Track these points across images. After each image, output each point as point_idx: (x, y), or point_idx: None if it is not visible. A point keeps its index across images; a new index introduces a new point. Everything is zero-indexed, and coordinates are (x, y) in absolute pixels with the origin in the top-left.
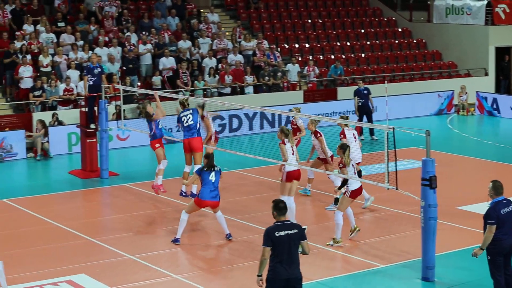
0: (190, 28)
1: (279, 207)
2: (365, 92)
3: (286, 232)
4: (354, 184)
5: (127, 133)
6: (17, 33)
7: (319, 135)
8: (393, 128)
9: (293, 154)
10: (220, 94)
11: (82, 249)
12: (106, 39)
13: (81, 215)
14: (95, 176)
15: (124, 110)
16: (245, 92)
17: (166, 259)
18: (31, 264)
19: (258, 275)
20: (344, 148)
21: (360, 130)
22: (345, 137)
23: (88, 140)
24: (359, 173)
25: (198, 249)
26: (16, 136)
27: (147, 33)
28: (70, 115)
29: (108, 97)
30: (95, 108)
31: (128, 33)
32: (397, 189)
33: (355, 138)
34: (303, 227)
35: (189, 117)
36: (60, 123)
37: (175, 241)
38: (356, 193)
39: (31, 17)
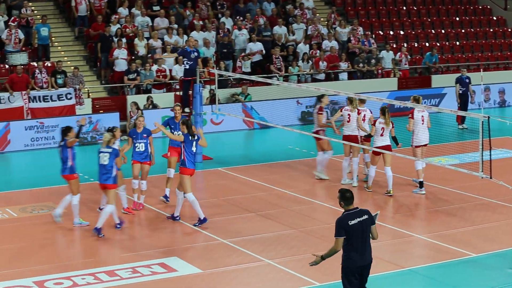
0: (285, 13)
1: (346, 197)
2: (467, 80)
3: (358, 219)
4: (377, 142)
5: (221, 117)
6: (113, 16)
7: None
8: (488, 117)
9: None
10: (314, 80)
11: (175, 233)
12: (201, 23)
13: (174, 199)
14: None
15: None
16: (339, 78)
17: (259, 243)
18: (125, 247)
19: (323, 258)
20: (383, 110)
21: (461, 119)
22: (412, 117)
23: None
24: (395, 138)
25: (292, 235)
26: (110, 119)
27: (242, 18)
28: (165, 99)
29: (203, 81)
30: (190, 92)
31: (223, 18)
32: (491, 178)
33: (422, 120)
34: (376, 213)
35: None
36: (155, 106)
37: (203, 221)
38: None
39: (126, 1)
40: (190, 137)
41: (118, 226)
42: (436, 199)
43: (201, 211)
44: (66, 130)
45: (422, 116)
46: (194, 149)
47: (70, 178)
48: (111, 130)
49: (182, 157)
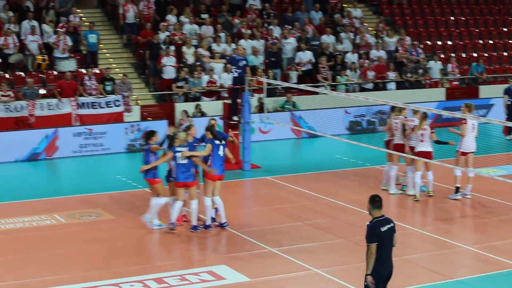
0: (333, 22)
1: (376, 203)
2: None
3: (388, 226)
4: (420, 147)
5: (269, 126)
6: (161, 24)
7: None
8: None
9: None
10: (362, 90)
11: (223, 241)
12: (249, 32)
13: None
14: (237, 168)
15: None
16: (387, 88)
17: (307, 252)
18: (173, 254)
19: (369, 274)
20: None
21: (507, 130)
22: (466, 122)
23: (230, 132)
24: (439, 142)
25: (340, 244)
26: (158, 126)
27: (290, 27)
28: (213, 107)
29: (252, 89)
30: (239, 100)
31: (271, 27)
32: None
33: (473, 128)
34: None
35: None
36: (203, 114)
37: (222, 225)
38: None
39: (175, 8)
40: (216, 141)
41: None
42: (484, 209)
43: (209, 218)
44: (150, 134)
45: (473, 124)
46: (221, 153)
47: (153, 183)
48: (187, 129)
49: (209, 163)
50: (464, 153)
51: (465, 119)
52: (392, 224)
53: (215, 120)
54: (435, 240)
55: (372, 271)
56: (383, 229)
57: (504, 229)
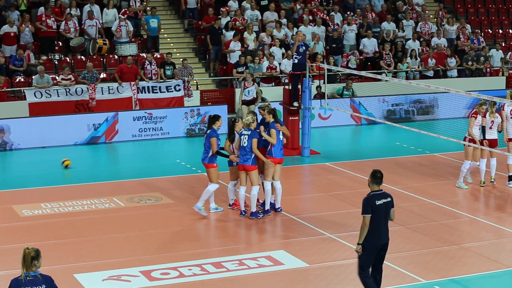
0: (395, 9)
1: (376, 177)
2: None
3: (384, 200)
4: (488, 135)
5: (329, 112)
6: (222, 9)
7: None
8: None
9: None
10: (423, 77)
11: (282, 226)
12: (311, 18)
13: (282, 193)
14: (296, 154)
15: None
16: (447, 76)
17: None
18: (231, 239)
19: (359, 244)
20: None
21: None
22: (503, 109)
23: (290, 118)
24: (483, 129)
25: (399, 231)
26: (218, 111)
27: (351, 13)
28: (273, 93)
29: (312, 75)
30: (299, 86)
31: (333, 13)
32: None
33: (511, 114)
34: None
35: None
36: (263, 100)
37: (276, 210)
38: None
39: None
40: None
41: (256, 215)
42: None
43: (268, 203)
44: (214, 119)
45: (511, 110)
46: (280, 137)
47: (209, 167)
48: (252, 112)
49: (269, 147)
50: (510, 140)
51: (502, 107)
52: (389, 199)
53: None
54: (492, 228)
55: (364, 241)
56: (378, 202)
57: None
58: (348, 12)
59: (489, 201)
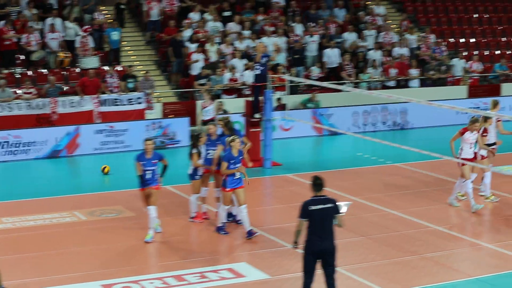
0: (357, 20)
1: (316, 183)
2: None
3: (321, 206)
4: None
5: (290, 123)
6: (184, 21)
7: None
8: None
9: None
10: (384, 87)
11: (244, 238)
12: (272, 29)
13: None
14: (257, 166)
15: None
16: (409, 86)
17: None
18: (192, 252)
19: (295, 242)
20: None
21: None
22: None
23: (252, 130)
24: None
25: (360, 242)
26: (180, 123)
27: (313, 24)
28: (235, 104)
29: (274, 87)
30: (261, 98)
31: (295, 24)
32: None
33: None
34: (346, 202)
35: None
36: (225, 112)
37: (238, 222)
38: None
39: (198, 6)
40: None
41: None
42: (506, 208)
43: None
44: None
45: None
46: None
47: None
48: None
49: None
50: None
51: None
52: (329, 205)
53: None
54: (455, 238)
55: (304, 245)
56: (314, 207)
57: None
58: (310, 23)
59: (450, 211)
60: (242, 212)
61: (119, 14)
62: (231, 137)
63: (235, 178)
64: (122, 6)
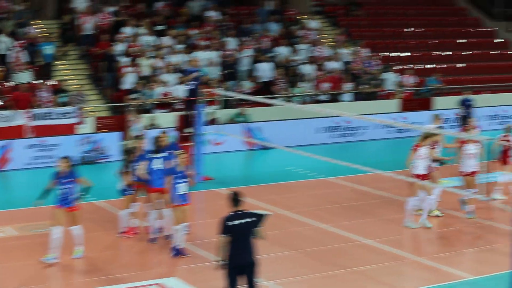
0: (290, 34)
1: (234, 199)
2: (469, 102)
3: (241, 221)
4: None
5: (222, 138)
6: (117, 35)
7: None
8: (492, 139)
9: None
10: (317, 101)
11: (164, 251)
12: (206, 43)
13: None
14: None
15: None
16: (342, 100)
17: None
18: (121, 267)
19: (216, 260)
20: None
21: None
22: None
23: (183, 144)
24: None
25: (291, 256)
26: (111, 138)
27: (247, 38)
28: (167, 119)
29: (206, 101)
30: (192, 112)
31: (228, 38)
32: (488, 199)
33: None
34: (267, 213)
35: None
36: (156, 127)
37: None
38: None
39: (132, 20)
40: (152, 155)
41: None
42: (439, 222)
43: (156, 230)
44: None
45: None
46: (157, 166)
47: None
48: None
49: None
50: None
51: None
52: (249, 219)
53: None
54: (384, 252)
55: (225, 261)
56: (234, 223)
57: (453, 241)
58: (243, 37)
59: (382, 225)
60: (182, 230)
61: (61, 29)
62: (178, 152)
63: (181, 194)
64: (62, 21)
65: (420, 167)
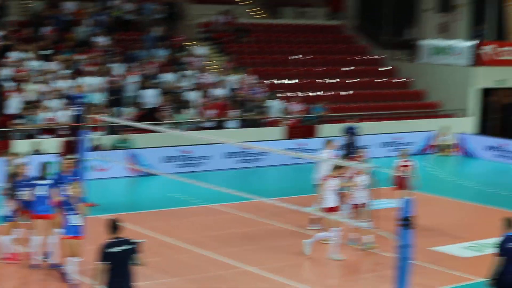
0: (176, 60)
1: (112, 226)
2: (354, 130)
3: (119, 248)
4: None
5: (107, 164)
6: (4, 59)
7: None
8: (374, 167)
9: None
10: (202, 128)
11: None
12: (93, 69)
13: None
14: None
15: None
16: (228, 127)
17: None
18: None
19: (96, 285)
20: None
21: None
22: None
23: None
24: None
25: (175, 284)
26: None
27: (133, 64)
28: (51, 144)
29: (90, 127)
30: (76, 138)
31: (115, 64)
32: (373, 227)
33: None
34: (139, 241)
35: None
36: (40, 152)
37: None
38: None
39: (19, 44)
40: (35, 181)
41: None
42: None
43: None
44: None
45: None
46: (40, 192)
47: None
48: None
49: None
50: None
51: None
52: (127, 246)
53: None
54: (268, 280)
55: (105, 286)
56: (112, 250)
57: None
58: (130, 63)
59: (264, 252)
60: (72, 264)
61: None
62: (71, 182)
63: (73, 225)
64: None
65: (330, 200)
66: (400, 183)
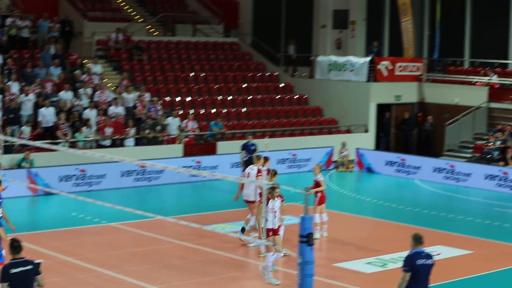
0: (73, 78)
1: (14, 246)
2: (253, 147)
3: (21, 268)
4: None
5: (4, 183)
6: None
7: None
8: (273, 184)
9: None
10: (100, 146)
11: None
12: None
13: None
14: None
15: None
16: (125, 145)
17: None
18: None
19: None
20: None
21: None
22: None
23: None
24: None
25: None
26: None
27: (29, 83)
28: None
29: None
30: None
31: (10, 82)
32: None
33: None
34: (38, 261)
35: None
36: None
37: None
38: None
39: None
40: None
41: None
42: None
43: None
44: None
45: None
46: None
47: None
48: None
49: None
50: None
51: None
52: (29, 267)
53: None
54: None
55: None
56: (13, 270)
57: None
58: (26, 81)
59: (166, 271)
60: None
61: None
62: None
63: None
64: None
65: (269, 221)
66: (319, 198)
